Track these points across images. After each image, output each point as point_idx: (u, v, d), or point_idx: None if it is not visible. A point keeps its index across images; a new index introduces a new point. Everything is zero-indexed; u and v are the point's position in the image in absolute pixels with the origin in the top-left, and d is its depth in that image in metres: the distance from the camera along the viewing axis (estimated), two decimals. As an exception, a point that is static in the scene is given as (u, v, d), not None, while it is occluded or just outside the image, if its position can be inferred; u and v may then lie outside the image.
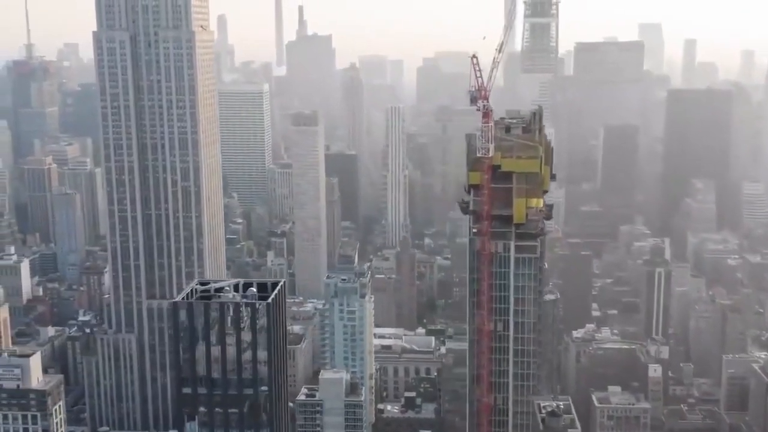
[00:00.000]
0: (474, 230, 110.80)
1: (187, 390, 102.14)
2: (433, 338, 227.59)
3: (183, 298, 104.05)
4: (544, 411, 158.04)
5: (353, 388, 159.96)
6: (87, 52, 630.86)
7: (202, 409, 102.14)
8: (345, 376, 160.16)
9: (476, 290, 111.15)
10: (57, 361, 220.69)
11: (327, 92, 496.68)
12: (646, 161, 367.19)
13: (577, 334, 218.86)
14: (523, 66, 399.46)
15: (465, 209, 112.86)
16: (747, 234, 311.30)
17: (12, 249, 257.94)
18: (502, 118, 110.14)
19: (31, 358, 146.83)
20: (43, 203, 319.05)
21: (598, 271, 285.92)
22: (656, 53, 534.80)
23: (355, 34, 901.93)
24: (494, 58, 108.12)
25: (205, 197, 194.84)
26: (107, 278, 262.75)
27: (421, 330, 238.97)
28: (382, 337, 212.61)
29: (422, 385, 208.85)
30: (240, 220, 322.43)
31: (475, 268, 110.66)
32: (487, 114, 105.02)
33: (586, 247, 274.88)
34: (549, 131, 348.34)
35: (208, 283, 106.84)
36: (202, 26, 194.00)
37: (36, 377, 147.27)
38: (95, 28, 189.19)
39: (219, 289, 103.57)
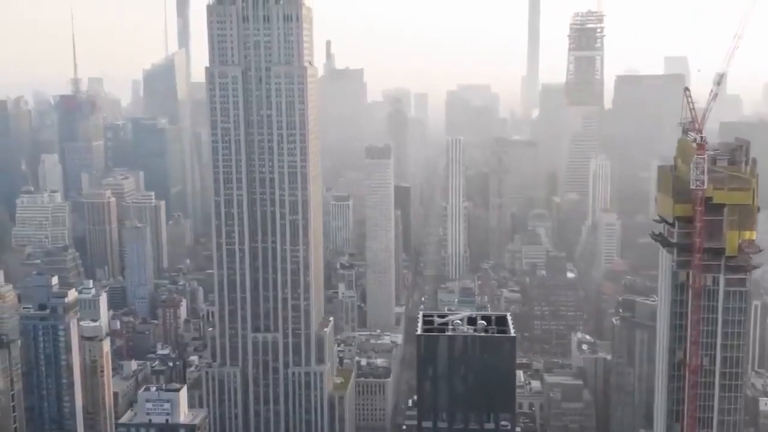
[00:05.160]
0: (676, 263, 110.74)
1: (427, 424, 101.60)
2: (521, 372, 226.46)
3: (422, 331, 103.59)
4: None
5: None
6: (107, 86, 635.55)
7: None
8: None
9: (679, 324, 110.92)
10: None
11: (361, 125, 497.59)
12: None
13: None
14: (568, 98, 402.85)
15: (664, 242, 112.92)
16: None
17: (90, 283, 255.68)
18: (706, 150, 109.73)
19: (179, 392, 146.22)
20: (103, 236, 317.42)
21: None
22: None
23: (377, 68, 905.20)
24: (711, 90, 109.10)
25: (312, 230, 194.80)
26: (183, 311, 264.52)
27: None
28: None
29: (521, 420, 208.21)
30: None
31: (679, 301, 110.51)
32: (701, 146, 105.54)
33: (650, 279, 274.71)
34: (604, 163, 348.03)
35: (432, 315, 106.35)
36: (309, 62, 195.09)
37: (183, 412, 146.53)
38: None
39: (444, 323, 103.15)
